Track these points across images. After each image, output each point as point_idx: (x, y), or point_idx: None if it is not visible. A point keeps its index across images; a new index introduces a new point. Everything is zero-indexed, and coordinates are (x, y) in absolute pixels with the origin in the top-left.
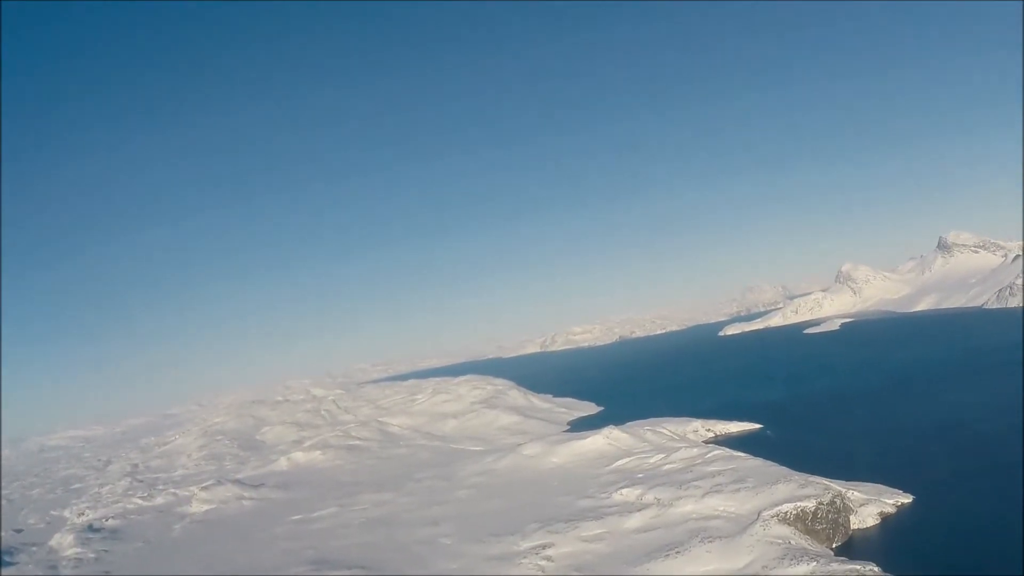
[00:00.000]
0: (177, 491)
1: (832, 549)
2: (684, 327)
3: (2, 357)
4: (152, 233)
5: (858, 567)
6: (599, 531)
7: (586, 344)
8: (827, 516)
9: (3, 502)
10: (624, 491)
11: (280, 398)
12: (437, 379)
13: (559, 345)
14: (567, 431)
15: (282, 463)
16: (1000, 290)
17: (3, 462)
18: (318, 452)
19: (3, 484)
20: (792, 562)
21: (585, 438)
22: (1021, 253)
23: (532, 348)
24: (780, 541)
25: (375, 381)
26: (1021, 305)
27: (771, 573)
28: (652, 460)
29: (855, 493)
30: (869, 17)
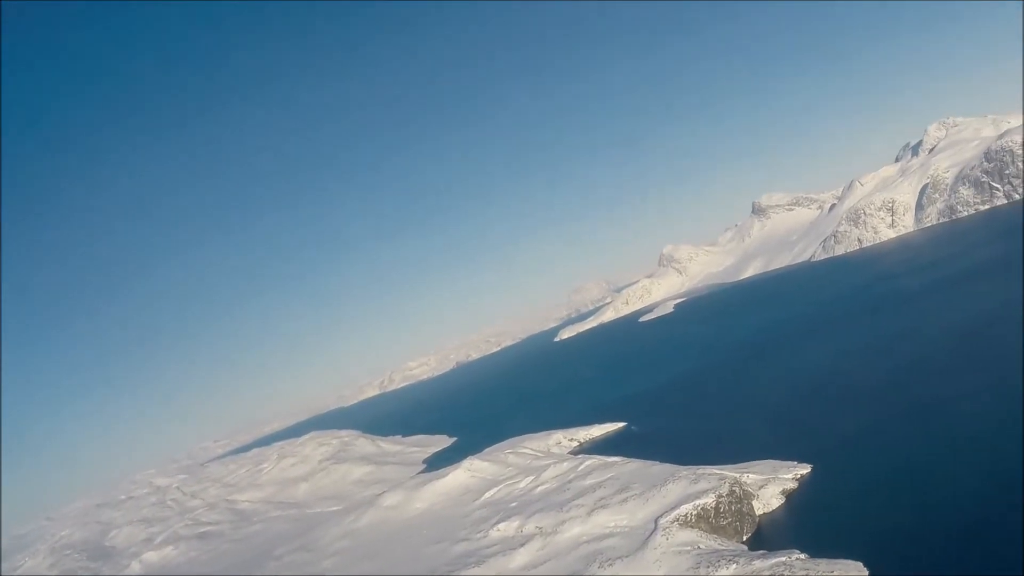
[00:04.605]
0: None
1: (744, 543)
2: (520, 340)
3: None
4: None
5: (783, 558)
6: None
7: (425, 376)
8: (730, 508)
9: None
10: (501, 526)
11: (124, 496)
12: (281, 443)
13: (397, 383)
14: (425, 471)
15: (135, 567)
16: (824, 241)
17: None
18: (170, 548)
19: None
20: (710, 568)
21: (446, 475)
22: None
23: (371, 391)
24: (688, 547)
25: (219, 458)
26: (846, 252)
27: None
28: (522, 485)
29: (750, 475)
30: None
